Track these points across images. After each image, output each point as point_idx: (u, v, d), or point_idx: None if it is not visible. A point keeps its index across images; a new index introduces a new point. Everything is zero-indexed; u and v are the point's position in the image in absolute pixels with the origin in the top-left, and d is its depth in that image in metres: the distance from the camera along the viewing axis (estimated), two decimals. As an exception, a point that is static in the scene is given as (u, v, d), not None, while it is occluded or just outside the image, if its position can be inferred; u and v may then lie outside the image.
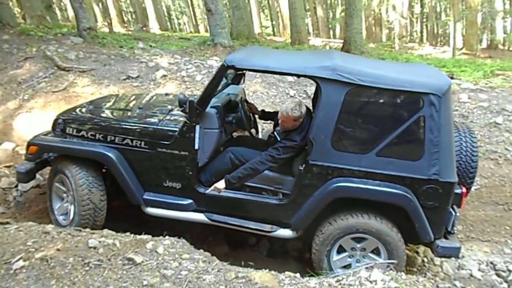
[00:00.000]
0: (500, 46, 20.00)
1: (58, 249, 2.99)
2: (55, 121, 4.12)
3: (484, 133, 6.10)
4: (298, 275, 3.03)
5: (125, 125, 3.84)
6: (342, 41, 11.05)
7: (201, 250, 3.37)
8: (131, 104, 4.58)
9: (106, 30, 12.65)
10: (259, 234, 3.90)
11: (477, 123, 6.25)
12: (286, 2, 14.01)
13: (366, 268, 2.99)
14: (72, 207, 3.88)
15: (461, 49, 16.72)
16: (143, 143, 3.71)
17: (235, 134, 4.57)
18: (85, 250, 3.01)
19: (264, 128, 5.81)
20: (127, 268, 2.82)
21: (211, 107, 3.65)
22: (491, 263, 4.54)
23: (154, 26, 19.37)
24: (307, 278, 3.01)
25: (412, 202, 3.26)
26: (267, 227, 3.67)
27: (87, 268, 2.79)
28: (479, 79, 8.02)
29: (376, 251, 3.48)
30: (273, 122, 4.32)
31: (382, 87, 3.25)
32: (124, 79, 7.18)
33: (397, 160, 3.28)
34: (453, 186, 3.28)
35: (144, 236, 3.38)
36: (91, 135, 3.86)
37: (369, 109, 3.65)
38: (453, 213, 3.43)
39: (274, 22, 25.82)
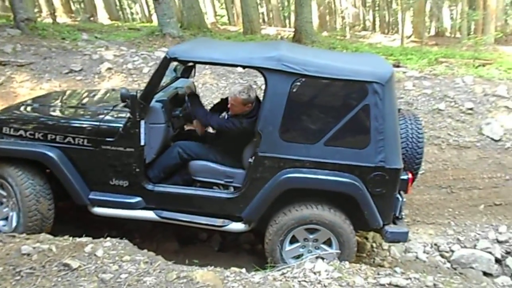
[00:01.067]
0: (447, 34, 20.84)
1: (-13, 258, 2.81)
2: None
3: (428, 119, 6.32)
4: (244, 270, 3.00)
5: (67, 122, 3.67)
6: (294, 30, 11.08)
7: (145, 251, 3.26)
8: (73, 101, 4.38)
9: (50, 20, 12.02)
10: (210, 229, 3.84)
11: (421, 110, 6.47)
12: (238, -10, 13.88)
13: (310, 259, 3.01)
14: (14, 215, 3.64)
15: (410, 37, 17.27)
16: (86, 140, 3.55)
17: (186, 128, 4.45)
18: (17, 258, 2.83)
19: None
20: (63, 275, 2.67)
21: (157, 101, 3.54)
22: (435, 244, 4.76)
23: (103, 16, 18.61)
24: (253, 273, 2.99)
25: (360, 190, 3.30)
26: (218, 221, 3.60)
27: (17, 278, 2.62)
28: (424, 66, 8.28)
29: (328, 242, 3.51)
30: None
31: (327, 77, 3.29)
32: (67, 73, 6.87)
33: (344, 149, 3.34)
34: (399, 173, 3.36)
35: (84, 239, 3.23)
36: (30, 134, 3.64)
37: (316, 99, 3.65)
38: (400, 198, 3.52)
39: (229, 11, 25.53)
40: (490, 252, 4.55)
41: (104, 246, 3.07)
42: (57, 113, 3.95)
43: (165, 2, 8.68)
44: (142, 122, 3.42)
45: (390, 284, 2.66)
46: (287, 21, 24.81)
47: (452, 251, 4.64)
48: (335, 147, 3.32)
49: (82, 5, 24.96)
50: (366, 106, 3.24)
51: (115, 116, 3.69)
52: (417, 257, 4.57)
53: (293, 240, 3.55)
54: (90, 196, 3.65)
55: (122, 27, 12.67)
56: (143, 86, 6.54)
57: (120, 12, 24.31)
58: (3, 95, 6.31)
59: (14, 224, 3.64)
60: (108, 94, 4.63)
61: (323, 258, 3.09)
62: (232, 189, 3.69)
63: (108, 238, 3.23)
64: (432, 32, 21.74)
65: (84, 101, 4.28)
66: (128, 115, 3.44)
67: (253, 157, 3.40)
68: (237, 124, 3.55)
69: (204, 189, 3.67)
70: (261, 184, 3.41)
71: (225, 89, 6.90)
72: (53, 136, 3.58)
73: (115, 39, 8.88)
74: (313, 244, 3.54)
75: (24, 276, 2.64)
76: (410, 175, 3.59)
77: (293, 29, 13.65)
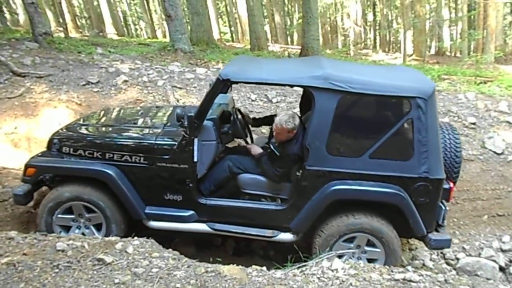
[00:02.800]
0: (447, 53, 21.22)
1: (24, 254, 2.99)
2: (50, 140, 4.01)
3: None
4: (264, 268, 3.18)
5: (123, 141, 3.84)
6: (300, 47, 11.38)
7: (170, 249, 3.46)
8: (124, 119, 4.58)
9: (61, 35, 12.35)
10: (258, 240, 3.97)
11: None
12: (245, 9, 14.24)
13: (327, 258, 3.19)
14: (94, 230, 3.86)
15: (411, 55, 17.62)
16: (142, 158, 3.73)
17: (230, 144, 4.62)
18: (53, 253, 3.02)
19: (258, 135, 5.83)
20: (98, 269, 2.86)
21: (208, 119, 3.71)
22: (441, 252, 4.89)
23: (110, 32, 19.03)
24: (273, 270, 3.17)
25: (405, 200, 3.45)
26: (268, 232, 3.76)
27: (56, 270, 2.81)
28: (428, 83, 8.49)
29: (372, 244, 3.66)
30: (267, 126, 4.36)
31: (371, 93, 3.42)
32: (84, 85, 7.08)
33: (389, 161, 3.48)
34: (442, 182, 3.51)
35: (113, 238, 3.42)
36: (89, 153, 3.82)
37: (360, 115, 3.85)
38: (443, 207, 3.68)
39: (232, 28, 26.01)
40: (494, 260, 4.68)
41: (133, 244, 3.26)
42: (113, 132, 4.11)
43: (177, 19, 8.98)
44: (196, 140, 3.61)
45: (404, 279, 2.84)
46: (289, 38, 25.30)
47: (458, 259, 4.76)
48: (379, 159, 3.46)
49: (88, 21, 25.44)
50: (409, 120, 3.40)
51: (168, 134, 3.87)
52: (424, 264, 4.71)
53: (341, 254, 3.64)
54: (146, 211, 3.83)
55: (131, 42, 12.98)
56: (158, 98, 6.84)
57: (125, 28, 24.77)
58: (23, 105, 6.51)
59: (99, 234, 3.81)
60: (155, 112, 4.86)
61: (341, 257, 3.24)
62: (279, 201, 3.86)
63: (136, 238, 3.43)
64: (433, 51, 22.13)
65: (135, 119, 4.48)
66: (182, 133, 3.63)
67: (301, 171, 3.54)
68: (293, 157, 3.64)
69: (254, 201, 3.83)
70: (308, 195, 3.56)
71: (236, 102, 7.13)
72: (111, 155, 3.77)
73: (128, 53, 9.14)
74: (359, 251, 3.68)
75: (62, 269, 2.82)
76: (451, 184, 3.74)
77: (298, 46, 14.02)
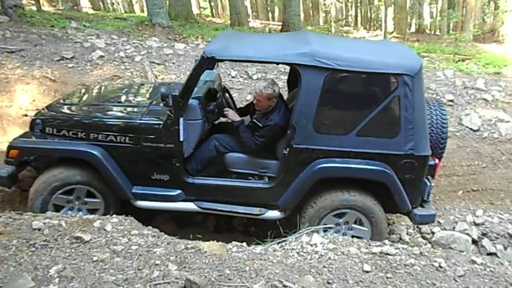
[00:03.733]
0: (427, 31, 21.33)
1: (-1, 233, 2.92)
2: (33, 121, 3.89)
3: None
4: (244, 244, 3.20)
5: (107, 121, 3.77)
6: (281, 23, 11.25)
7: (149, 227, 3.44)
8: (108, 98, 4.49)
9: (33, 8, 11.86)
10: (247, 217, 4.00)
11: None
12: (225, -17, 13.94)
13: (307, 233, 3.23)
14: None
15: (392, 32, 17.66)
16: (127, 138, 3.67)
17: (216, 121, 4.56)
18: (29, 232, 2.95)
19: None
20: (75, 247, 2.82)
21: (193, 97, 3.65)
22: (417, 227, 5.02)
23: (85, 6, 18.39)
24: (253, 246, 3.19)
25: (391, 177, 3.48)
26: (256, 210, 3.78)
27: (33, 249, 2.75)
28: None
29: (359, 222, 3.72)
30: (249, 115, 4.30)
31: (358, 71, 3.41)
32: (58, 60, 6.84)
33: (375, 138, 3.48)
34: (428, 159, 3.54)
35: (91, 216, 3.38)
36: (73, 133, 3.74)
37: (347, 92, 3.81)
38: (428, 183, 3.72)
39: (212, 3, 25.48)
40: (467, 234, 4.83)
41: (112, 222, 3.22)
42: (97, 111, 4.02)
43: (155, -8, 8.75)
44: (181, 119, 3.55)
45: (381, 252, 2.91)
46: (270, 14, 24.96)
47: (433, 233, 4.89)
48: (366, 137, 3.46)
49: (63, -6, 24.49)
50: (396, 97, 3.38)
51: (152, 113, 3.81)
52: (400, 238, 4.83)
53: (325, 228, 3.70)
54: (133, 191, 3.79)
55: (107, 17, 12.58)
56: (136, 74, 6.68)
57: (101, 3, 23.97)
58: (-6, 80, 6.28)
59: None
60: (138, 89, 4.74)
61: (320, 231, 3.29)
62: (266, 179, 3.86)
63: (114, 215, 3.39)
64: (413, 29, 22.20)
65: (119, 97, 4.41)
66: (168, 113, 3.55)
67: (288, 149, 3.53)
68: (274, 125, 3.67)
69: (241, 180, 3.83)
70: (295, 174, 3.56)
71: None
72: (95, 135, 3.70)
73: (104, 28, 8.87)
74: (345, 227, 3.73)
75: (38, 248, 2.77)
76: (437, 161, 3.78)
77: (279, 22, 13.85)
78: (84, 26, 8.91)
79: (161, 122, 3.60)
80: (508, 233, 4.61)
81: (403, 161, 3.47)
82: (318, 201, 3.63)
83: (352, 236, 3.68)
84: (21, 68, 6.57)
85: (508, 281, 2.69)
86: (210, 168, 3.93)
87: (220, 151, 3.84)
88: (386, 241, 3.18)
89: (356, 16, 26.81)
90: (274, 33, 10.11)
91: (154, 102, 4.03)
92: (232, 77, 7.16)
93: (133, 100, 4.35)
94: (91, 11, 16.29)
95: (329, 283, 2.56)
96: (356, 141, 3.47)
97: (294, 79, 4.20)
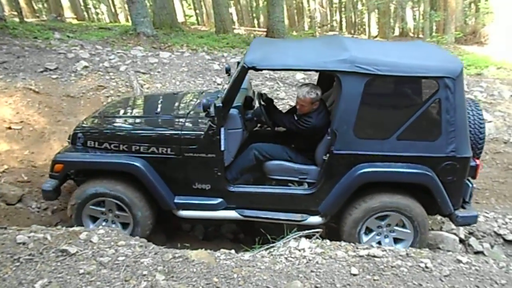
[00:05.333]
0: (411, 34, 21.62)
1: (-17, 248, 2.88)
2: (74, 135, 3.92)
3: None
4: (233, 251, 3.20)
5: (149, 133, 3.80)
6: (266, 29, 11.31)
7: (137, 237, 3.42)
8: (145, 109, 4.58)
9: (16, 20, 11.75)
10: (286, 224, 3.88)
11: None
12: (209, -9, 13.97)
13: (294, 238, 3.24)
14: (120, 226, 3.81)
15: (376, 36, 17.89)
16: (169, 149, 3.68)
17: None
18: (13, 247, 2.92)
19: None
20: (61, 260, 2.80)
21: (232, 107, 3.65)
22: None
23: (69, 16, 18.26)
24: (242, 253, 3.19)
25: (433, 180, 3.46)
26: (297, 216, 3.76)
27: (17, 264, 2.72)
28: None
29: (402, 225, 3.71)
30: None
31: (399, 75, 3.41)
32: (41, 72, 6.79)
33: (416, 141, 3.47)
34: (469, 161, 3.52)
35: (77, 228, 3.34)
36: (115, 146, 3.75)
37: (387, 96, 3.80)
38: (470, 185, 3.73)
39: (197, 11, 25.52)
40: (455, 233, 4.88)
41: (98, 233, 3.19)
42: (137, 124, 4.09)
43: (139, 1, 8.73)
44: (222, 129, 3.55)
45: (368, 255, 2.92)
46: (255, 21, 25.09)
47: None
48: (407, 141, 3.45)
49: (46, 5, 24.33)
50: (437, 100, 3.37)
51: (192, 123, 3.85)
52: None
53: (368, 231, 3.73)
54: (175, 201, 3.79)
55: (91, 27, 12.51)
56: (121, 83, 6.66)
57: (85, 12, 23.86)
58: (-23, 93, 6.20)
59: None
60: (175, 99, 4.79)
61: (307, 237, 3.31)
62: (306, 185, 3.85)
63: (101, 226, 3.36)
64: (397, 32, 22.51)
65: (156, 108, 4.45)
66: (209, 123, 3.55)
67: (328, 155, 3.53)
68: (309, 124, 3.71)
69: (282, 187, 3.84)
70: (336, 179, 3.56)
71: (202, 86, 7.06)
72: (137, 147, 3.71)
73: (88, 38, 8.82)
74: (387, 229, 3.72)
75: (23, 262, 2.74)
76: (478, 162, 3.75)
77: (263, 29, 13.92)
78: (68, 36, 8.85)
79: (202, 132, 3.61)
80: (494, 232, 4.66)
81: (444, 164, 3.46)
82: (360, 205, 3.62)
83: (395, 239, 3.73)
84: (4, 81, 6.50)
85: (493, 279, 2.73)
86: (248, 176, 3.98)
87: (259, 160, 3.86)
88: (373, 244, 3.19)
89: (340, 21, 27.11)
90: (305, 38, 10.17)
91: (192, 112, 4.06)
92: (218, 84, 7.18)
93: (170, 110, 4.40)
94: (75, 22, 16.18)
95: (317, 287, 2.56)
96: (397, 145, 3.46)
97: (323, 83, 4.30)
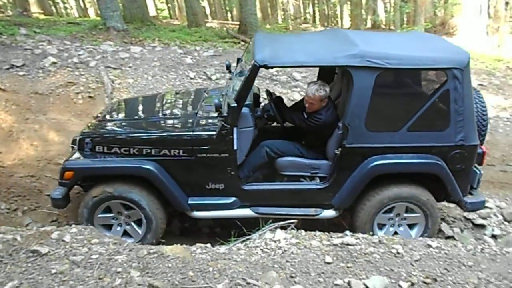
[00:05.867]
0: (382, 26, 21.93)
1: (-51, 252, 2.78)
2: (81, 140, 3.81)
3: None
4: (209, 245, 3.20)
5: (160, 136, 3.75)
6: (238, 23, 11.26)
7: (111, 234, 3.38)
8: (152, 110, 4.52)
9: (-21, 15, 11.32)
10: (304, 219, 3.97)
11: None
12: (180, -16, 13.78)
13: (270, 230, 3.27)
14: (136, 227, 3.82)
15: (349, 29, 18.04)
16: (181, 151, 3.64)
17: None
18: (-19, 249, 2.84)
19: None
20: (32, 261, 2.73)
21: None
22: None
23: (36, 11, 17.66)
24: (218, 246, 3.20)
25: (444, 169, 3.56)
26: (311, 211, 3.81)
27: (-14, 267, 2.65)
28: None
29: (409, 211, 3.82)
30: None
31: (409, 68, 3.49)
32: (8, 69, 6.56)
33: (426, 132, 3.56)
34: (477, 148, 3.65)
35: (48, 228, 3.28)
36: (125, 150, 3.69)
37: (398, 89, 3.87)
38: (478, 171, 3.86)
39: (169, 5, 25.14)
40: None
41: (71, 232, 3.14)
42: (146, 126, 4.00)
43: (107, -5, 8.53)
44: (235, 128, 3.54)
45: (342, 243, 2.98)
46: (229, 14, 24.92)
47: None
48: (417, 132, 3.54)
49: (11, 0, 23.51)
50: (446, 91, 3.45)
51: (202, 124, 3.82)
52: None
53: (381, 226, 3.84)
54: (189, 202, 3.78)
55: (59, 22, 12.14)
56: (91, 79, 6.52)
57: (53, 7, 23.16)
58: None
59: (138, 237, 3.79)
60: (178, 98, 4.73)
61: (284, 228, 3.34)
62: (317, 180, 3.89)
63: (73, 225, 3.30)
64: (369, 25, 22.77)
65: (162, 109, 4.42)
66: (221, 123, 3.54)
67: (340, 149, 3.57)
68: (318, 121, 3.74)
69: (295, 182, 3.88)
70: (348, 172, 3.62)
71: (175, 81, 6.98)
72: (149, 150, 3.66)
73: (56, 34, 8.56)
74: (399, 218, 3.84)
75: (-8, 265, 2.66)
76: (484, 149, 3.88)
77: (236, 22, 13.84)
78: (35, 32, 8.57)
79: (214, 133, 3.58)
80: (464, 217, 4.82)
81: (453, 152, 3.57)
82: (373, 197, 3.69)
83: (409, 225, 3.85)
84: (-32, 79, 6.26)
85: (461, 261, 2.82)
86: (260, 173, 3.99)
87: (271, 157, 3.87)
88: (348, 232, 3.25)
89: (314, 13, 27.22)
90: (232, 32, 10.11)
91: (200, 112, 4.02)
92: (191, 78, 7.12)
93: (177, 111, 4.35)
94: (42, 17, 15.67)
95: (292, 277, 2.60)
96: (408, 136, 3.54)
97: (323, 78, 4.29)
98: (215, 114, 3.66)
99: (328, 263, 2.75)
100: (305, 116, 3.84)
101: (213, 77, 7.15)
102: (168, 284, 2.49)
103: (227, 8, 24.85)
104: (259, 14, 18.62)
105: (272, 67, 3.48)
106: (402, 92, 3.89)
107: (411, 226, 3.88)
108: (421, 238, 3.47)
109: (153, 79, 6.88)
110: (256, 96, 4.22)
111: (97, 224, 3.70)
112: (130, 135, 3.81)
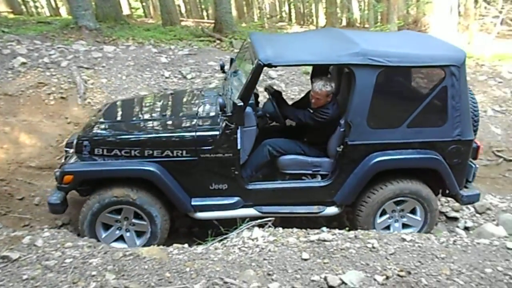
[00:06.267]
0: (357, 24, 22.21)
1: None
2: (79, 144, 3.70)
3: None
4: (186, 245, 3.18)
5: (162, 136, 3.69)
6: (214, 21, 11.20)
7: (86, 237, 3.31)
8: (151, 111, 4.42)
9: None
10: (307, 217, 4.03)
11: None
12: (154, -18, 13.61)
13: (248, 228, 3.26)
14: (133, 233, 3.76)
15: (324, 27, 18.17)
16: (184, 152, 3.60)
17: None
18: None
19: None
20: (2, 267, 2.67)
21: None
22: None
23: (4, 10, 17.12)
24: (195, 246, 3.17)
25: (442, 163, 3.68)
26: (314, 208, 3.86)
27: (-48, 275, 2.56)
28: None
29: (413, 211, 3.95)
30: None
31: (409, 65, 3.60)
32: (-26, 70, 6.35)
33: (425, 128, 3.66)
34: (472, 143, 3.78)
35: (20, 232, 3.19)
36: (126, 152, 3.61)
37: (398, 86, 3.92)
38: (473, 165, 3.97)
39: (144, 4, 24.78)
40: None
41: (43, 237, 3.07)
42: (147, 127, 3.93)
43: (79, -6, 8.34)
44: (239, 128, 3.52)
45: (319, 239, 3.00)
46: (204, 13, 24.78)
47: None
48: (417, 128, 3.63)
49: (-22, -2, 22.71)
50: (444, 88, 3.54)
51: (205, 123, 3.79)
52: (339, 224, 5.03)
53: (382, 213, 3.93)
54: (192, 203, 3.74)
55: (29, 21, 11.81)
56: (63, 80, 6.37)
57: (23, 6, 22.52)
58: None
59: (139, 242, 3.75)
60: (177, 100, 4.64)
61: (262, 226, 3.35)
62: (319, 178, 3.92)
63: (46, 229, 3.23)
64: (344, 23, 23.02)
65: (162, 109, 4.35)
66: (225, 122, 3.51)
67: (342, 146, 3.62)
68: (326, 115, 3.77)
69: (298, 181, 3.89)
70: (350, 169, 3.68)
71: (150, 80, 6.89)
72: (151, 152, 3.59)
73: (25, 33, 8.31)
74: (400, 214, 3.95)
75: (-41, 273, 2.57)
76: (479, 143, 4.00)
77: (212, 20, 13.76)
78: (3, 31, 8.29)
79: (217, 132, 3.54)
80: (439, 211, 4.93)
81: (451, 147, 3.68)
82: (374, 193, 3.77)
83: (403, 224, 3.97)
84: None
85: (434, 253, 2.88)
86: (262, 172, 3.97)
87: (273, 155, 3.87)
88: (324, 228, 3.28)
89: (290, 11, 27.32)
90: (207, 31, 10.05)
91: (201, 112, 3.99)
92: (166, 77, 7.04)
93: (177, 111, 4.30)
94: (11, 16, 15.21)
95: (269, 274, 2.60)
96: (408, 133, 3.63)
97: (317, 74, 4.28)
98: (215, 113, 3.67)
99: (305, 260, 2.77)
100: (311, 112, 3.88)
101: (189, 76, 7.09)
102: (144, 286, 2.46)
103: (203, 7, 24.69)
104: (234, 13, 18.60)
105: (276, 66, 3.47)
106: (402, 89, 3.98)
107: (405, 226, 3.99)
108: (396, 232, 3.54)
109: (127, 79, 6.77)
110: (256, 96, 4.23)
111: (99, 221, 3.64)
112: (131, 136, 3.74)
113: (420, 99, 3.66)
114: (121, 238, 3.77)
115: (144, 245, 3.63)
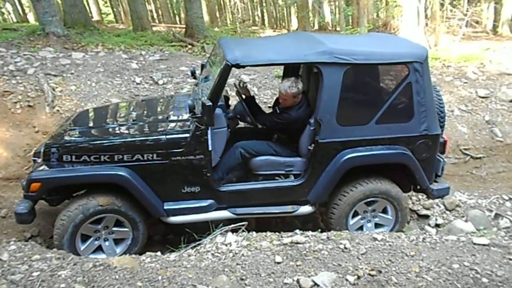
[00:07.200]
0: (329, 27, 22.54)
1: None
2: (47, 151, 3.60)
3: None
4: (159, 253, 3.13)
5: (131, 140, 3.63)
6: (185, 26, 11.16)
7: (54, 249, 3.22)
8: (119, 117, 4.40)
9: None
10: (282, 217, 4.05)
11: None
12: (124, -13, 13.45)
13: (221, 233, 3.25)
14: (111, 242, 3.71)
15: (297, 29, 18.36)
16: (155, 155, 3.55)
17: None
18: None
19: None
20: (-35, 284, 2.56)
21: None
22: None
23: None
24: (168, 254, 3.14)
25: (411, 158, 3.76)
26: (288, 208, 3.88)
27: None
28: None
29: (384, 211, 4.04)
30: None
31: (374, 63, 3.69)
32: None
33: (393, 124, 3.73)
34: (439, 137, 3.88)
35: (-16, 247, 3.07)
36: (95, 158, 3.54)
37: (365, 84, 3.99)
38: (441, 160, 4.08)
39: (115, 9, 24.44)
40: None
41: (9, 250, 2.97)
42: (116, 132, 3.88)
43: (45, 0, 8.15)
44: (209, 129, 3.50)
45: (291, 242, 3.02)
46: (176, 18, 24.63)
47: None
48: (385, 124, 3.70)
49: None
50: (408, 84, 3.64)
51: (175, 126, 3.80)
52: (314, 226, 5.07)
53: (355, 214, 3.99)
54: (165, 207, 3.69)
55: (-6, 28, 11.49)
56: (30, 87, 6.22)
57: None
58: None
59: (119, 249, 3.71)
60: (147, 104, 4.64)
61: (235, 230, 3.34)
62: (292, 177, 3.94)
63: (12, 242, 3.13)
64: (316, 26, 23.33)
65: (131, 115, 4.33)
66: (195, 124, 3.48)
67: (313, 145, 3.66)
68: (288, 117, 3.86)
69: (272, 181, 3.92)
70: (322, 167, 3.73)
71: (120, 86, 6.80)
72: (120, 156, 3.53)
73: (-11, 40, 8.09)
74: (371, 214, 4.02)
75: None
76: (446, 138, 4.11)
77: (183, 25, 13.70)
78: (-34, 39, 8.05)
79: (188, 135, 3.51)
80: (410, 208, 5.04)
81: (419, 142, 3.77)
82: (346, 195, 3.83)
83: (376, 224, 4.05)
84: None
85: (404, 251, 2.94)
86: (234, 174, 3.96)
87: (245, 157, 3.87)
88: (297, 231, 3.30)
89: (262, 16, 27.48)
90: (178, 36, 10.00)
91: (171, 116, 3.99)
92: (137, 83, 6.96)
93: (147, 116, 4.24)
94: (-25, 23, 14.76)
95: (242, 279, 2.60)
96: (376, 129, 3.70)
97: (288, 76, 4.34)
98: (187, 117, 3.66)
99: (278, 263, 2.78)
100: (278, 112, 3.94)
101: (160, 82, 7.04)
102: (115, 296, 2.42)
103: (175, 12, 24.56)
104: (207, 17, 18.58)
105: (244, 66, 3.48)
106: (369, 87, 4.06)
107: (377, 226, 4.07)
108: (367, 231, 3.60)
109: (97, 86, 6.65)
110: (226, 98, 4.25)
111: (79, 233, 3.55)
112: (100, 141, 3.67)
113: (387, 96, 3.76)
114: (99, 249, 3.70)
115: (125, 252, 3.61)
